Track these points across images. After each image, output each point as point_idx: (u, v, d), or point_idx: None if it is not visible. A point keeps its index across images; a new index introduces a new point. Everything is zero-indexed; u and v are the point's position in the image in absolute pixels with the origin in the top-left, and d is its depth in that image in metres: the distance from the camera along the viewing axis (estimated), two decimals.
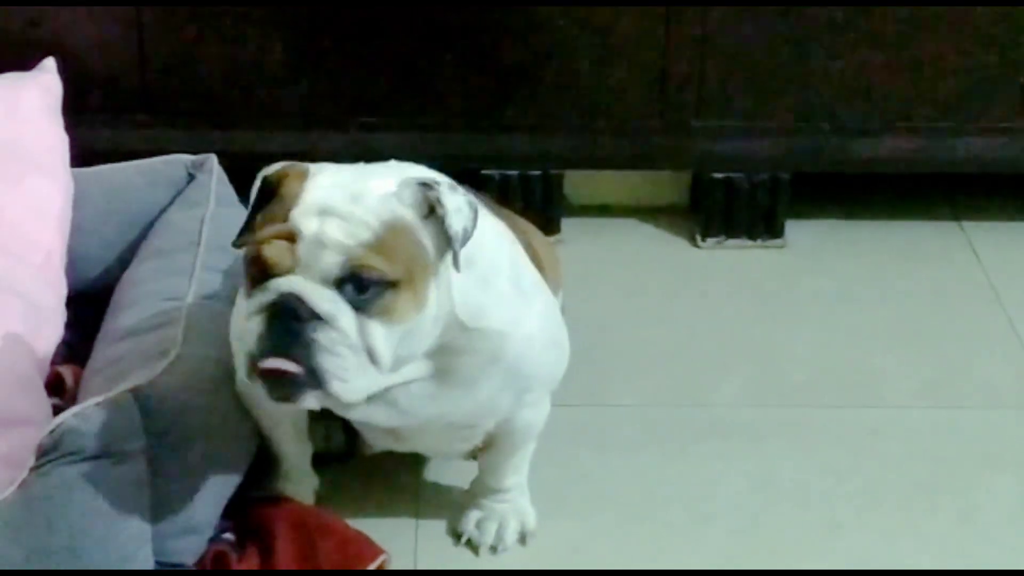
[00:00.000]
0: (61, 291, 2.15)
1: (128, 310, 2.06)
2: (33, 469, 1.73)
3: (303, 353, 1.62)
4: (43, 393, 1.98)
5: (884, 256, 2.67)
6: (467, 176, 2.08)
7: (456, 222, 1.65)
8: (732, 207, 2.66)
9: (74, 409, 1.76)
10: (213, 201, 2.24)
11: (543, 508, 2.01)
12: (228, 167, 2.33)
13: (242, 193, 2.32)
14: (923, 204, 2.79)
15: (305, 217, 1.63)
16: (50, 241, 2.15)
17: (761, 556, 1.98)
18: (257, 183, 1.71)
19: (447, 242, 1.66)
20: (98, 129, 2.54)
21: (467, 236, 1.66)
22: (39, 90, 2.27)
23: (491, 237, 1.78)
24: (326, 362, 1.63)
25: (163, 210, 2.29)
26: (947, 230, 2.74)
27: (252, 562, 1.88)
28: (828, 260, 2.66)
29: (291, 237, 1.63)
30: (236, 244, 1.73)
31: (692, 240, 2.71)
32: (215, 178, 2.29)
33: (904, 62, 2.56)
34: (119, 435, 1.74)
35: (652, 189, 2.79)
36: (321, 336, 1.62)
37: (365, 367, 1.65)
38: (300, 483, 2.00)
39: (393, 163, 1.74)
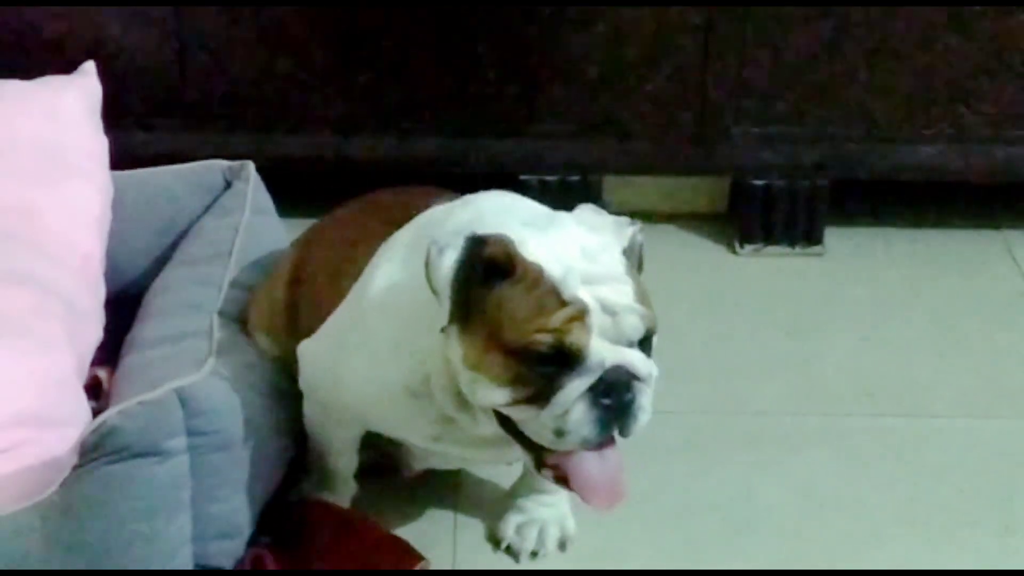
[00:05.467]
0: (100, 294, 2.15)
1: (158, 317, 2.06)
2: (76, 467, 1.73)
3: (626, 422, 1.64)
4: (83, 395, 1.97)
5: (924, 264, 2.65)
6: (506, 181, 2.08)
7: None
8: (771, 214, 2.65)
9: (117, 407, 1.75)
10: (248, 210, 2.24)
11: (581, 514, 2.01)
12: (265, 172, 2.34)
13: (278, 200, 2.33)
14: (963, 211, 2.78)
15: (577, 289, 1.61)
16: (89, 244, 2.15)
17: (800, 565, 1.96)
18: (455, 255, 1.60)
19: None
20: (136, 132, 2.55)
21: None
22: (79, 93, 2.28)
23: None
24: (643, 420, 1.66)
25: (199, 216, 2.29)
26: (987, 238, 2.72)
27: (290, 566, 1.87)
28: (867, 268, 2.65)
29: (580, 316, 1.61)
30: (442, 327, 1.64)
31: (730, 247, 2.70)
32: (251, 186, 2.29)
33: (945, 69, 2.55)
34: (162, 434, 1.74)
35: (691, 195, 2.78)
36: (644, 400, 1.64)
37: None
38: (339, 490, 2.00)
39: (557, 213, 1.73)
